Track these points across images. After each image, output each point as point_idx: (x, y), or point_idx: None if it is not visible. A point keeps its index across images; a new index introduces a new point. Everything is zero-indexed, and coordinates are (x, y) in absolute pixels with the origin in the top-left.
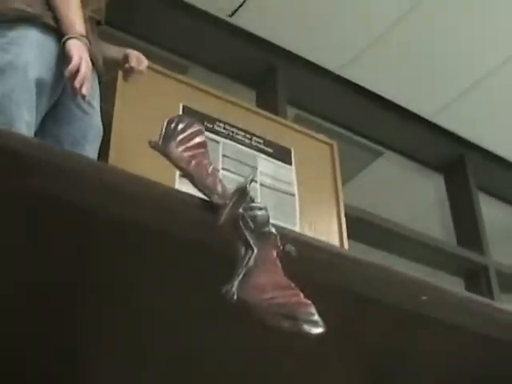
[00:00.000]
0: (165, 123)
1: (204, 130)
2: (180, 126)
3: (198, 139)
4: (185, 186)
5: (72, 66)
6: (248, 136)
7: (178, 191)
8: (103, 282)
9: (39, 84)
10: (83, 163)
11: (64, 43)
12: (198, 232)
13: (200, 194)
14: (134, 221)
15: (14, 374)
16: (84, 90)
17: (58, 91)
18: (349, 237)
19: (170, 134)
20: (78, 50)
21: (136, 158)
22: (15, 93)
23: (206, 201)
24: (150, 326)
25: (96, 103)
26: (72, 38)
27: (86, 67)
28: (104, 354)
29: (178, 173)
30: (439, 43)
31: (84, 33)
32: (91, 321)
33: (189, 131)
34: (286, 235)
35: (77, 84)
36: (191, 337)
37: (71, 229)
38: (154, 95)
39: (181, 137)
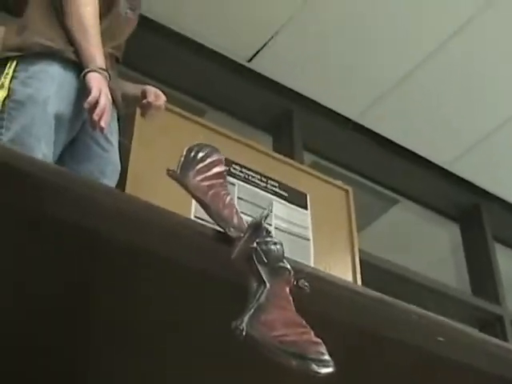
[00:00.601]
0: (184, 151)
1: (224, 159)
2: (200, 155)
3: (216, 169)
4: (201, 215)
5: (91, 98)
6: (264, 179)
7: (193, 221)
8: (112, 308)
9: (58, 118)
10: (101, 191)
11: (84, 76)
12: (211, 263)
13: (215, 226)
14: (147, 249)
15: None
16: (102, 123)
17: (77, 127)
18: (362, 283)
19: (188, 163)
20: (97, 83)
21: (151, 192)
22: (35, 126)
23: (221, 232)
24: (155, 355)
25: (114, 140)
26: (92, 71)
27: (105, 100)
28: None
29: (194, 205)
30: (456, 93)
31: (104, 66)
32: (94, 349)
33: (208, 160)
34: (300, 270)
35: (95, 116)
36: (200, 371)
37: (85, 255)
38: (171, 135)
39: (200, 166)
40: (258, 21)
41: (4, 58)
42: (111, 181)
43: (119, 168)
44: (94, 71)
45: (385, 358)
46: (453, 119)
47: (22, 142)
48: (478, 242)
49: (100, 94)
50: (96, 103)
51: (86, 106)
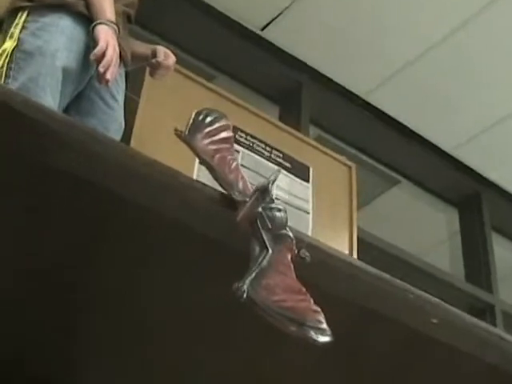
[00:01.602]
0: (193, 114)
1: (231, 125)
2: (208, 119)
3: (224, 134)
4: (203, 180)
5: (98, 50)
6: (268, 149)
7: (198, 183)
8: (112, 268)
9: (66, 71)
10: (107, 144)
11: (93, 28)
12: (214, 226)
13: (220, 189)
14: (149, 207)
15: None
16: (108, 75)
17: (84, 81)
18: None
19: (197, 126)
20: (105, 35)
21: (155, 150)
22: (41, 78)
23: (226, 195)
24: (157, 323)
25: (120, 98)
26: (101, 23)
27: (112, 52)
28: (106, 355)
29: (196, 168)
30: (466, 78)
31: (114, 19)
32: (89, 314)
33: (216, 125)
34: (302, 239)
35: (101, 68)
36: (199, 343)
37: (90, 208)
38: (179, 97)
39: (207, 130)
40: None
41: (15, 8)
42: (115, 137)
43: (123, 126)
44: (103, 24)
45: (377, 334)
46: (460, 106)
47: (28, 92)
48: (476, 229)
49: (107, 46)
50: (103, 55)
51: (92, 57)
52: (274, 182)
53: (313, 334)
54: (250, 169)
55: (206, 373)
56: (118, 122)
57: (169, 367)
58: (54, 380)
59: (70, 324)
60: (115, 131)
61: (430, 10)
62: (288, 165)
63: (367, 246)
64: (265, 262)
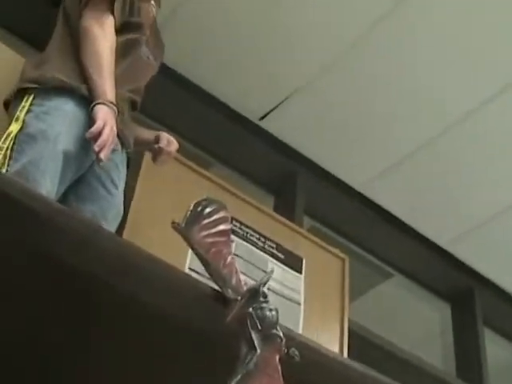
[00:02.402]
0: (192, 205)
1: (230, 217)
2: (207, 210)
3: (222, 226)
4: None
5: (94, 129)
6: (262, 239)
7: (191, 278)
8: (99, 354)
9: (66, 156)
10: (103, 235)
11: (92, 108)
12: (203, 321)
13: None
14: (140, 297)
15: None
16: (102, 155)
17: (85, 166)
18: (349, 353)
19: (194, 217)
20: (103, 115)
21: (148, 240)
22: (43, 161)
23: (218, 292)
24: None
25: (121, 184)
26: (100, 103)
27: (109, 132)
28: None
29: (189, 257)
30: (461, 174)
31: (114, 101)
32: None
33: (214, 217)
34: (292, 338)
35: (96, 148)
36: None
37: (81, 295)
38: (175, 184)
39: (205, 221)
40: (275, 80)
41: (21, 90)
42: (113, 224)
43: (122, 213)
44: (103, 104)
45: None
46: (455, 201)
47: (28, 176)
48: (468, 324)
49: (104, 125)
50: (99, 134)
51: (87, 135)
52: (265, 284)
53: None
54: (243, 258)
55: None
56: (117, 208)
57: None
58: None
59: None
60: (114, 217)
61: (426, 103)
62: (281, 256)
63: (358, 339)
64: (251, 364)
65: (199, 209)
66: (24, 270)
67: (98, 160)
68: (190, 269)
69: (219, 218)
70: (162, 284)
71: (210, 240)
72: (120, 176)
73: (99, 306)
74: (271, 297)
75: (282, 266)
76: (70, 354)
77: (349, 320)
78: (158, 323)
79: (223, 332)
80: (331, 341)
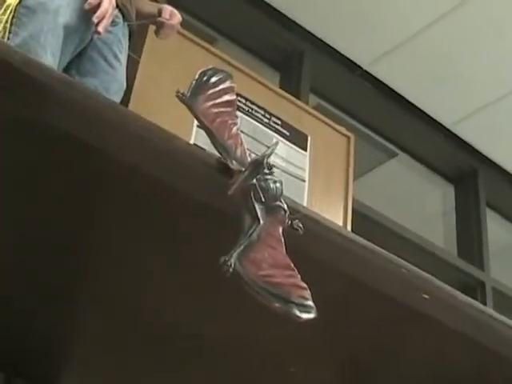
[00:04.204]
0: (197, 74)
1: (235, 87)
2: (212, 80)
3: (227, 97)
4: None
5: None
6: (267, 116)
7: (195, 147)
8: (104, 228)
9: (67, 29)
10: (106, 105)
11: None
12: (206, 192)
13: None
14: (144, 169)
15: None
16: (100, 28)
17: (86, 39)
18: (351, 231)
19: (199, 87)
20: None
21: (154, 112)
22: (43, 35)
23: (223, 163)
24: (142, 283)
25: (123, 57)
26: None
27: (107, 3)
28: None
29: (194, 132)
30: (468, 55)
31: None
32: (84, 272)
33: (220, 87)
34: (296, 210)
35: (95, 19)
36: (187, 299)
37: (85, 168)
38: (180, 59)
39: (211, 91)
40: None
41: None
42: (115, 98)
43: (124, 87)
44: None
45: (367, 307)
46: (462, 81)
47: (29, 50)
48: (471, 205)
49: None
50: (98, 6)
51: (86, 6)
52: (269, 155)
53: (297, 311)
54: (247, 134)
55: (190, 339)
56: (120, 81)
57: (153, 329)
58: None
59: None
60: (116, 91)
61: None
62: (286, 132)
63: (361, 217)
64: (254, 235)
65: (204, 78)
66: (24, 140)
67: (97, 32)
68: (195, 145)
69: (225, 88)
70: (166, 156)
71: (214, 110)
72: (122, 50)
73: (100, 178)
74: (276, 173)
75: (287, 142)
76: (71, 230)
77: (352, 198)
78: (161, 196)
79: (227, 204)
80: (335, 218)
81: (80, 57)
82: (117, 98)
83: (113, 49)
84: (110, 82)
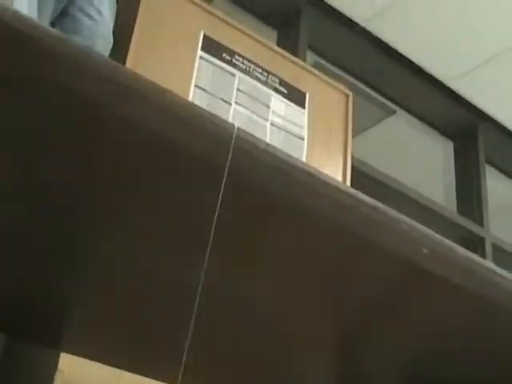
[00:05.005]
0: None
1: None
2: None
3: None
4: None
5: None
6: (265, 74)
7: (192, 104)
8: (102, 179)
9: None
10: (102, 62)
11: None
12: (201, 143)
13: (216, 111)
14: (139, 123)
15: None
16: None
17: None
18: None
19: None
20: None
21: (152, 67)
22: None
23: (222, 120)
24: (144, 233)
25: (105, 9)
26: None
27: None
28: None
29: (192, 89)
30: (467, 10)
31: None
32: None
33: None
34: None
35: None
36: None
37: (81, 122)
38: (177, 18)
39: None
40: None
41: None
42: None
43: (111, 41)
44: None
45: (366, 262)
46: (461, 36)
47: None
48: (470, 162)
49: None
50: None
51: None
52: None
53: None
54: (245, 93)
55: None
56: (105, 36)
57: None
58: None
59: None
60: (102, 46)
61: None
62: (284, 91)
63: (361, 175)
64: None
65: None
66: (23, 97)
67: None
68: (196, 86)
69: None
70: (165, 110)
71: None
72: (106, 4)
73: (98, 135)
74: (275, 132)
75: (286, 100)
76: (67, 187)
77: (352, 156)
78: (159, 152)
79: (225, 157)
80: (334, 175)
81: (62, 17)
82: (104, 53)
83: (93, 2)
84: (94, 38)
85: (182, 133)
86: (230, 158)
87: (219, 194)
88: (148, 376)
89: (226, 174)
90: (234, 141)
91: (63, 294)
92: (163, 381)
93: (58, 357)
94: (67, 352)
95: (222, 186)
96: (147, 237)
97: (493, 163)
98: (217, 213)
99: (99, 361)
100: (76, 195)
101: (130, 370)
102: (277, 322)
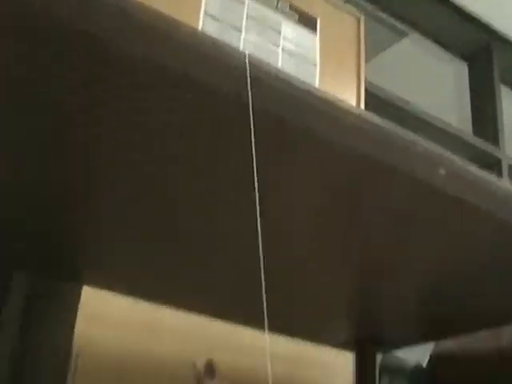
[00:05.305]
0: None
1: None
2: None
3: None
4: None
5: None
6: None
7: (203, 34)
8: (111, 112)
9: None
10: None
11: None
12: (211, 73)
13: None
14: (149, 57)
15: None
16: None
17: None
18: None
19: None
20: None
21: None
22: None
23: (234, 48)
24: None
25: None
26: None
27: None
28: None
29: (201, 19)
30: None
31: None
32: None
33: None
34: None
35: None
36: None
37: (85, 57)
38: None
39: None
40: None
41: None
42: None
43: None
44: None
45: (383, 185)
46: None
47: None
48: (485, 83)
49: None
50: None
51: None
52: None
53: None
54: (255, 20)
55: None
56: None
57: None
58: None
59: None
60: None
61: None
62: (295, 16)
63: (374, 99)
64: None
65: None
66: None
67: None
68: (206, 13)
69: None
70: (174, 43)
71: None
72: None
73: (103, 63)
74: (286, 58)
75: (296, 26)
76: (81, 123)
77: (365, 80)
78: (166, 80)
79: (229, 81)
80: (348, 99)
81: None
82: None
83: None
84: None
85: (192, 64)
86: (249, 86)
87: (250, 128)
88: (168, 305)
89: (251, 104)
90: (249, 69)
91: (80, 228)
92: (183, 309)
93: (80, 290)
94: (89, 285)
95: (252, 119)
96: (173, 170)
97: (508, 83)
98: (253, 147)
99: (121, 293)
100: (88, 129)
101: (149, 301)
102: (301, 247)
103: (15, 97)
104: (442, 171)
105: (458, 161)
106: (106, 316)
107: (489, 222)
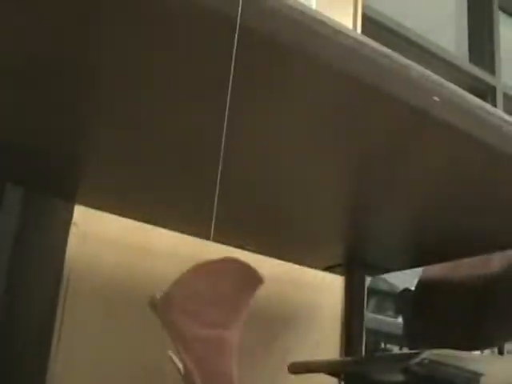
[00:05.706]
0: None
1: None
2: None
3: None
4: None
5: None
6: None
7: None
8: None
9: None
10: None
11: None
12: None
13: None
14: None
15: None
16: None
17: None
18: None
19: None
20: None
21: None
22: None
23: None
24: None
25: None
26: None
27: None
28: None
29: None
30: None
31: None
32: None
33: None
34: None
35: None
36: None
37: None
38: None
39: None
40: None
41: None
42: None
43: None
44: None
45: (377, 110)
46: None
47: None
48: (484, 8)
49: None
50: None
51: None
52: None
53: None
54: None
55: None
56: None
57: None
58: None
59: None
60: None
61: None
62: None
63: (371, 22)
64: None
65: None
66: None
67: None
68: None
69: None
70: None
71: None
72: None
73: None
74: None
75: None
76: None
77: (362, 4)
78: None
79: (237, 10)
80: (345, 23)
81: None
82: None
83: None
84: None
85: None
86: (240, 7)
87: (232, 47)
88: (161, 226)
89: (238, 24)
90: None
91: (75, 145)
92: (170, 229)
93: (72, 209)
94: (82, 204)
95: (236, 37)
96: (161, 87)
97: (507, 10)
98: (233, 63)
99: (113, 213)
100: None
101: (142, 221)
102: (290, 168)
103: None
104: (436, 98)
105: (452, 88)
106: (99, 235)
107: (480, 149)
